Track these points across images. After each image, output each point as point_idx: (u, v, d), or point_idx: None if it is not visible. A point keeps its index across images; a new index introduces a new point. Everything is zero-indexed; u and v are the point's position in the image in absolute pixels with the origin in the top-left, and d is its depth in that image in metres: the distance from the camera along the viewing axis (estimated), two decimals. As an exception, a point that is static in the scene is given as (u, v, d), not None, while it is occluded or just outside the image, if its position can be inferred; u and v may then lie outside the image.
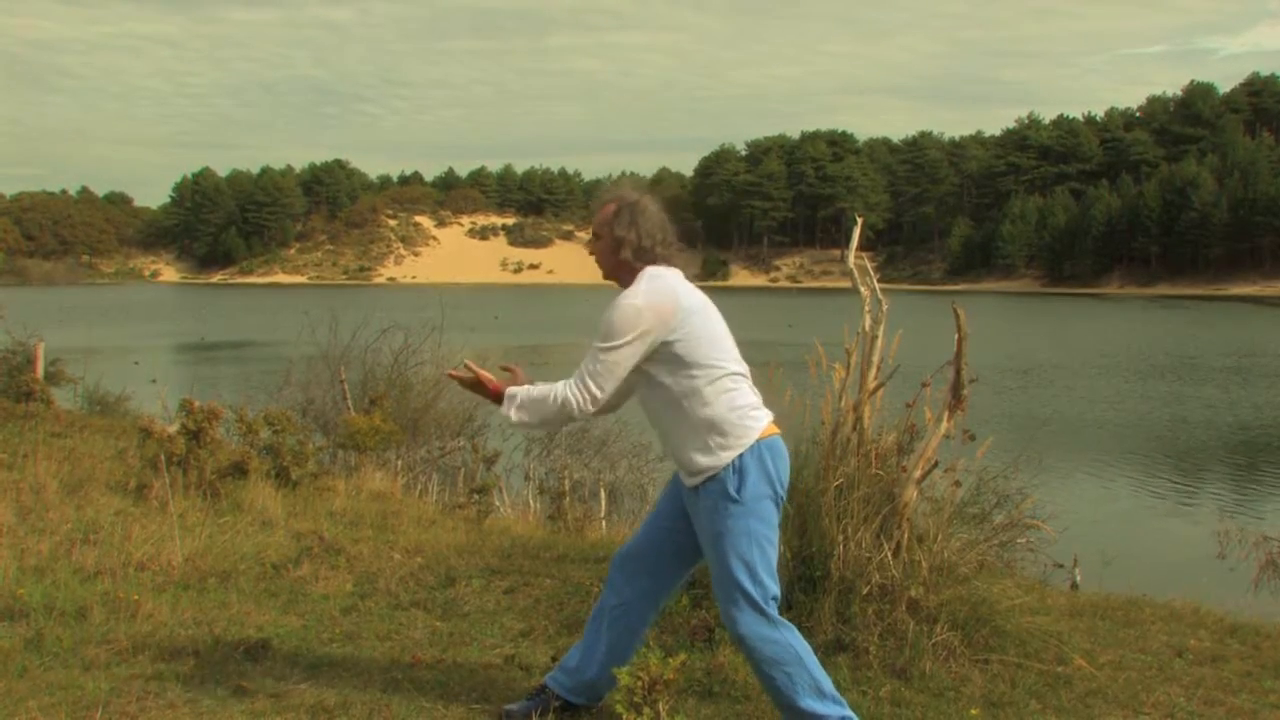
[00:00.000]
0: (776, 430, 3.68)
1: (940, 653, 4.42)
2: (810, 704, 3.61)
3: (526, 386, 3.65)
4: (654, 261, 3.69)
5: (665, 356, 3.59)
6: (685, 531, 3.79)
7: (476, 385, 3.72)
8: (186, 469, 7.64)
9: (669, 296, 3.59)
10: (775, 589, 3.63)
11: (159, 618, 4.95)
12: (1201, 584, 7.32)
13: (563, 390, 3.57)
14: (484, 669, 4.41)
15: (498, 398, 3.67)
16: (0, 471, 8.19)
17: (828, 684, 3.66)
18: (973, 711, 4.03)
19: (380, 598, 5.45)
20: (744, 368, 3.69)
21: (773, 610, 3.62)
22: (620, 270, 3.73)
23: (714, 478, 3.58)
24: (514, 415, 3.62)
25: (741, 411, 3.61)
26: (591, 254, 3.82)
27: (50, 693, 4.03)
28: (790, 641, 3.62)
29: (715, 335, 3.65)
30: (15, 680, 4.17)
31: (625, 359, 3.55)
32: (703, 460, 3.59)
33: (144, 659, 4.44)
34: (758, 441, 3.60)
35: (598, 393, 3.56)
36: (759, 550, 3.59)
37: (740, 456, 3.58)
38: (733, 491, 3.56)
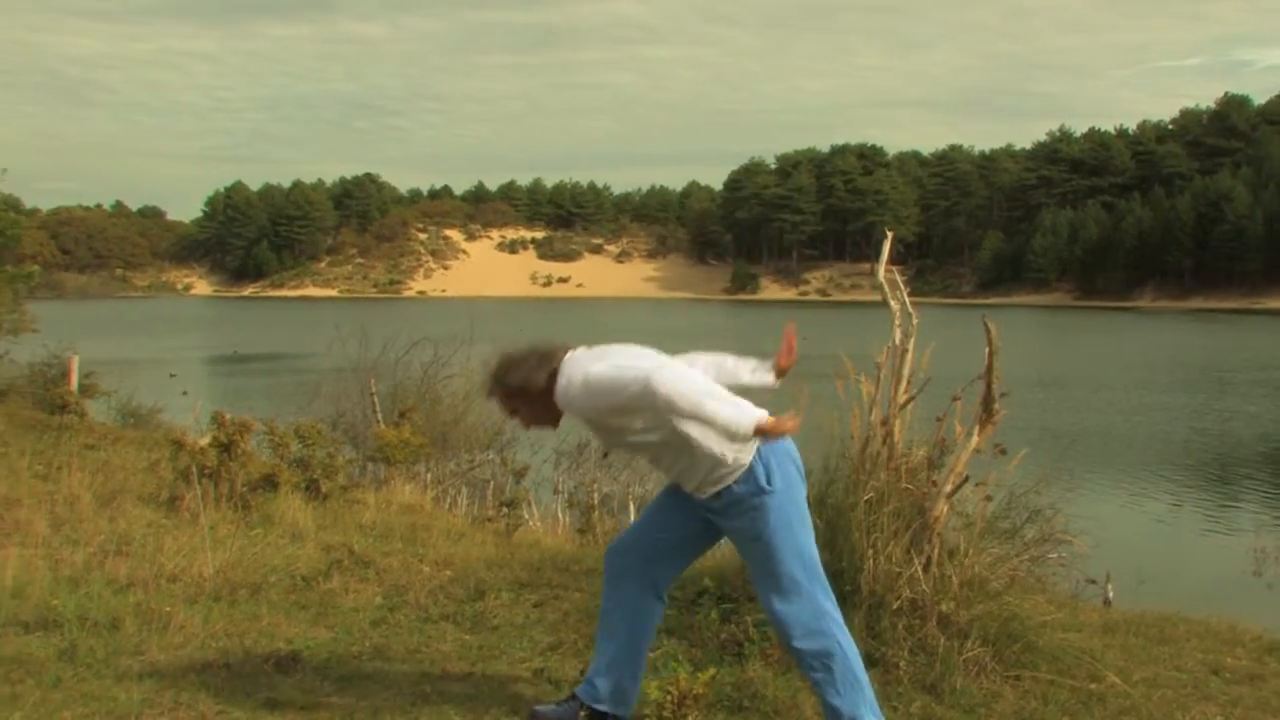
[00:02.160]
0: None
1: (971, 668, 4.38)
2: (853, 705, 3.63)
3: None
4: (550, 375, 3.65)
5: (633, 414, 3.57)
6: (685, 527, 3.81)
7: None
8: (218, 481, 7.69)
9: (603, 359, 3.62)
10: (821, 577, 3.67)
11: (190, 629, 4.97)
12: (1238, 601, 7.26)
13: (672, 389, 3.45)
14: (513, 682, 4.41)
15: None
16: (35, 483, 8.28)
17: (870, 690, 3.69)
18: (1004, 728, 3.99)
19: (410, 610, 5.46)
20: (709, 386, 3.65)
21: (826, 598, 3.66)
22: (550, 404, 3.68)
23: (739, 479, 3.58)
24: (747, 424, 3.50)
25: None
26: (530, 424, 3.80)
27: (84, 703, 4.06)
28: (837, 634, 3.65)
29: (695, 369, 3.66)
30: (50, 690, 4.20)
31: (624, 362, 3.56)
32: (723, 473, 3.58)
33: (175, 670, 4.46)
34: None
35: (667, 361, 3.56)
36: (805, 537, 3.65)
37: (759, 451, 3.58)
38: (764, 483, 3.57)
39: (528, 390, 3.67)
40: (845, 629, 3.71)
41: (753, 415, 3.46)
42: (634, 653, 3.87)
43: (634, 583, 3.87)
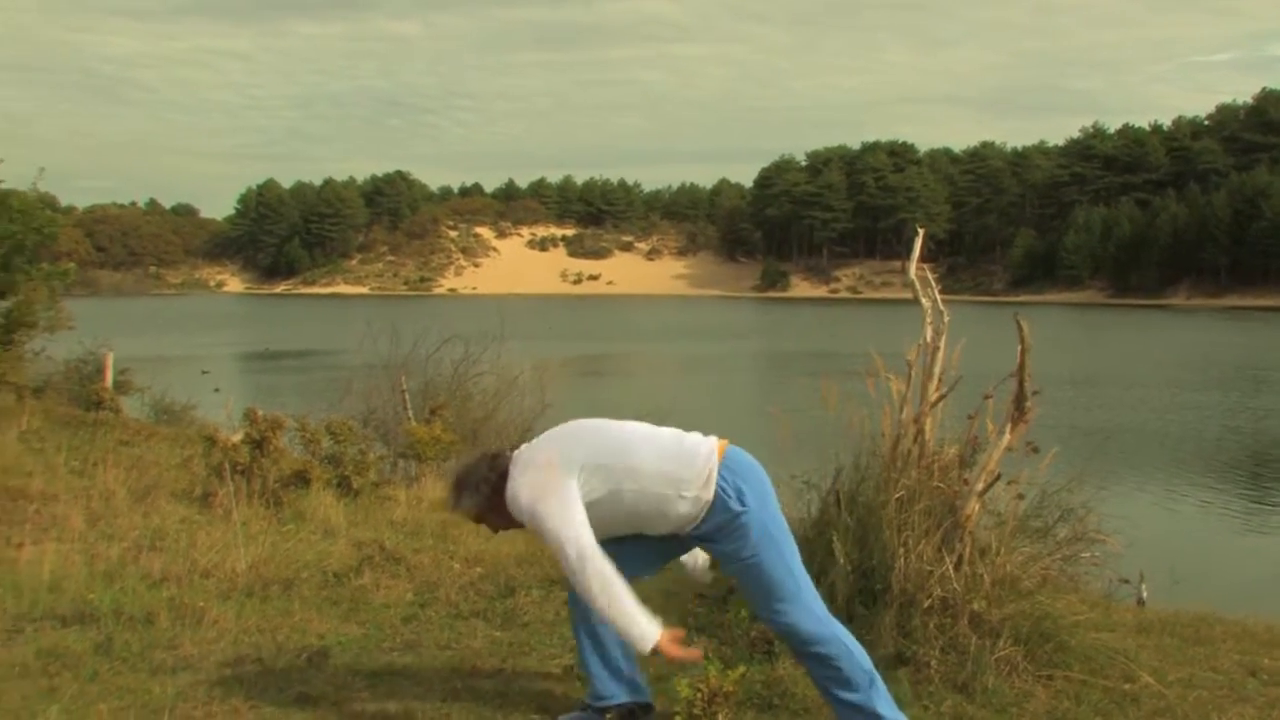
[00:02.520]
0: (725, 442, 3.76)
1: (1003, 668, 4.36)
2: (867, 699, 3.64)
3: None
4: (500, 475, 3.75)
5: (590, 494, 3.63)
6: (650, 543, 3.83)
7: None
8: (250, 478, 7.75)
9: (540, 455, 3.71)
10: (810, 583, 3.72)
11: (223, 624, 5.01)
12: (1275, 602, 7.17)
13: (587, 587, 3.56)
14: (543, 679, 4.43)
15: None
16: (72, 478, 8.37)
17: (880, 681, 3.71)
18: (1036, 728, 3.97)
19: (440, 607, 5.48)
20: (664, 430, 3.77)
21: (818, 602, 3.70)
22: (502, 504, 3.75)
23: (710, 508, 3.63)
24: (645, 641, 3.55)
25: (684, 456, 3.66)
26: (497, 528, 3.89)
27: (119, 696, 4.10)
28: (841, 635, 3.68)
29: (616, 444, 3.71)
30: (86, 683, 4.24)
31: (563, 506, 3.59)
32: (689, 511, 3.65)
33: (209, 665, 4.50)
34: (720, 463, 3.66)
35: (588, 548, 3.55)
36: (788, 547, 3.69)
37: (720, 475, 3.64)
38: (737, 505, 3.63)
39: (485, 510, 3.81)
40: (845, 628, 3.75)
41: (650, 637, 3.50)
42: (612, 639, 3.87)
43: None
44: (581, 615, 3.89)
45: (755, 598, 3.77)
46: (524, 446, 3.84)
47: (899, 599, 4.57)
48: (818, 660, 3.68)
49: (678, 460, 3.65)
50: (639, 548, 3.84)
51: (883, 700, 3.67)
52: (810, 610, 3.67)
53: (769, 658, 4.48)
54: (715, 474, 3.63)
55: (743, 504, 3.62)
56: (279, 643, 4.80)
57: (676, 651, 3.51)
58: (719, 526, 3.66)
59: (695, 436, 3.75)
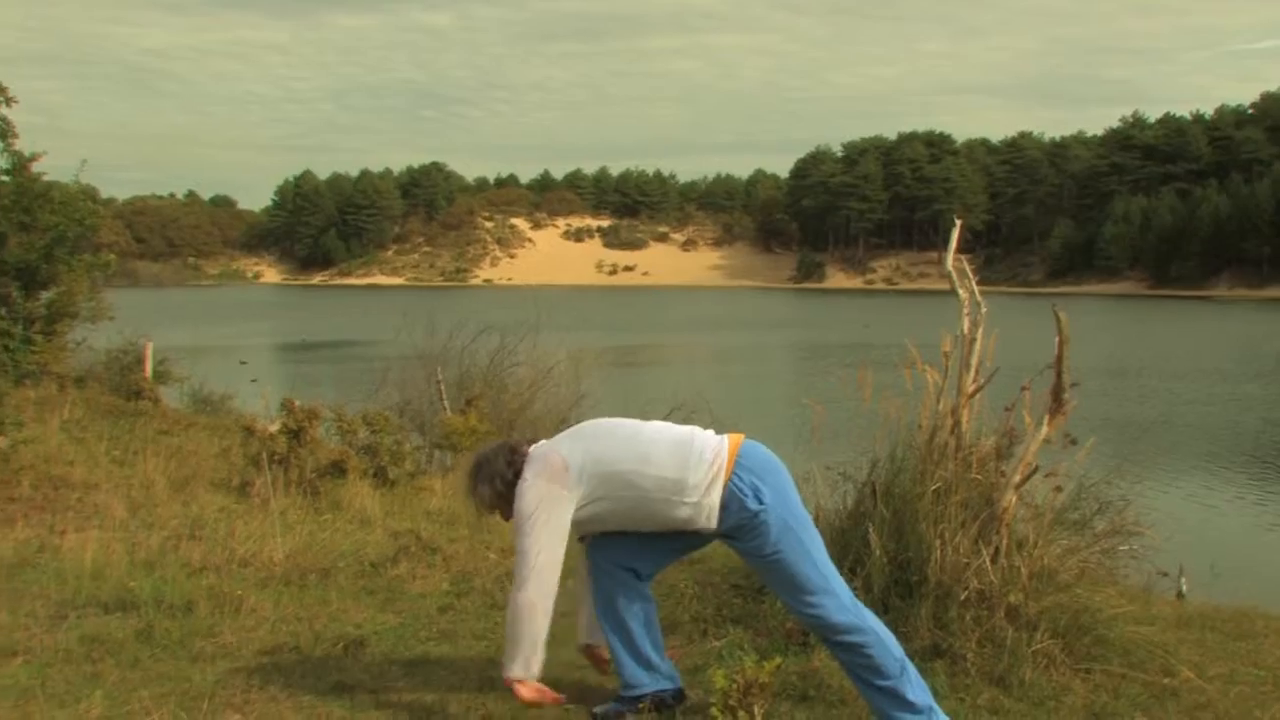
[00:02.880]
0: (740, 437, 3.79)
1: (1040, 661, 4.33)
2: (897, 685, 3.64)
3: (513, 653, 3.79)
4: (515, 473, 3.82)
5: (593, 498, 3.72)
6: (668, 538, 3.87)
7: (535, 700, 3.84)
8: (287, 468, 7.81)
9: (554, 458, 3.76)
10: (835, 572, 3.74)
11: (262, 613, 5.06)
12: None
13: (517, 601, 3.72)
14: (578, 669, 4.43)
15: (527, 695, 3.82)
16: (113, 467, 8.46)
17: (911, 667, 3.70)
18: (1074, 722, 3.94)
19: (476, 597, 5.50)
20: (672, 432, 3.81)
21: (846, 591, 3.71)
22: (513, 498, 3.82)
23: (729, 507, 3.66)
24: (515, 671, 3.76)
25: (693, 458, 3.70)
26: (508, 519, 3.92)
27: (160, 683, 4.15)
28: (870, 623, 3.69)
29: (619, 451, 3.76)
30: (128, 670, 4.30)
31: (548, 531, 3.70)
32: (688, 515, 3.69)
33: (247, 653, 4.54)
34: (735, 461, 3.69)
35: (546, 579, 3.71)
36: (810, 539, 3.70)
37: (735, 480, 3.67)
38: (753, 504, 3.65)
39: (497, 503, 3.90)
40: (874, 615, 3.75)
41: (521, 673, 3.74)
42: (646, 628, 3.93)
43: (617, 571, 3.93)
44: (605, 609, 3.93)
45: (782, 592, 3.79)
46: (542, 443, 3.89)
47: (935, 591, 4.55)
48: (848, 649, 3.69)
49: (682, 466, 3.68)
50: (657, 540, 3.88)
51: (912, 687, 3.67)
52: (838, 601, 3.67)
53: (804, 649, 4.47)
54: (722, 477, 3.66)
55: (760, 502, 3.64)
56: (316, 631, 4.83)
57: (530, 696, 3.76)
58: (738, 525, 3.67)
59: (707, 437, 3.77)
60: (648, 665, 3.93)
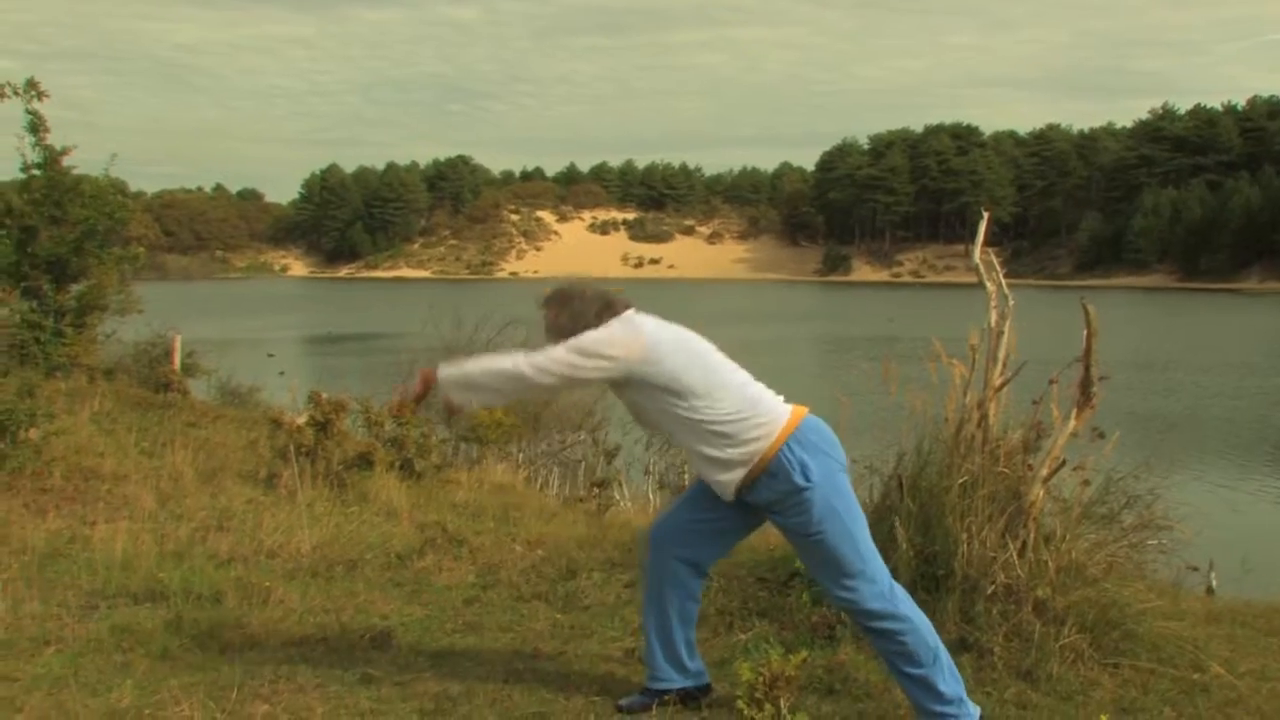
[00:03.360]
0: (804, 410, 3.73)
1: (1068, 655, 4.31)
2: (929, 673, 3.63)
3: (463, 362, 3.76)
4: (604, 321, 3.76)
5: (654, 386, 3.66)
6: (728, 518, 3.84)
7: (420, 395, 3.86)
8: (314, 460, 7.84)
9: (638, 332, 3.70)
10: (877, 557, 3.70)
11: (289, 604, 5.09)
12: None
13: (517, 365, 3.67)
14: (604, 662, 4.44)
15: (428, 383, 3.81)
16: (142, 459, 8.52)
17: (946, 656, 3.69)
18: (1102, 717, 3.91)
19: (502, 589, 5.52)
20: (741, 377, 3.75)
21: (886, 576, 3.68)
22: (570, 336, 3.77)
23: (776, 475, 3.61)
24: (455, 396, 3.74)
25: (754, 408, 3.66)
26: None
27: (190, 673, 4.18)
28: (907, 610, 3.67)
29: (701, 363, 3.71)
30: (157, 660, 4.33)
31: (585, 369, 3.66)
32: (723, 476, 3.66)
33: (275, 643, 4.57)
34: (795, 430, 3.63)
35: (546, 379, 3.67)
36: (855, 523, 3.66)
37: (788, 448, 3.61)
38: (802, 480, 3.59)
39: (561, 336, 3.77)
40: (912, 602, 3.72)
41: (442, 371, 3.80)
42: (686, 622, 3.94)
43: (674, 564, 3.90)
44: (651, 597, 3.92)
45: (820, 573, 3.74)
46: (642, 317, 3.81)
47: (962, 585, 4.53)
48: (881, 635, 3.67)
49: (737, 416, 3.63)
50: (716, 522, 3.85)
51: (945, 678, 3.65)
52: (875, 588, 3.64)
53: (831, 642, 4.47)
54: (766, 442, 3.61)
55: (807, 479, 3.59)
56: (343, 623, 4.86)
57: (419, 383, 3.86)
58: (783, 496, 3.62)
59: (772, 401, 3.70)
60: (678, 664, 3.93)
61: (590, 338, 3.67)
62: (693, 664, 3.96)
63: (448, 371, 3.77)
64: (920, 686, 3.65)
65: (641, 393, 3.71)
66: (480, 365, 3.75)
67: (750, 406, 3.67)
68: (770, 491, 3.64)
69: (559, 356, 3.66)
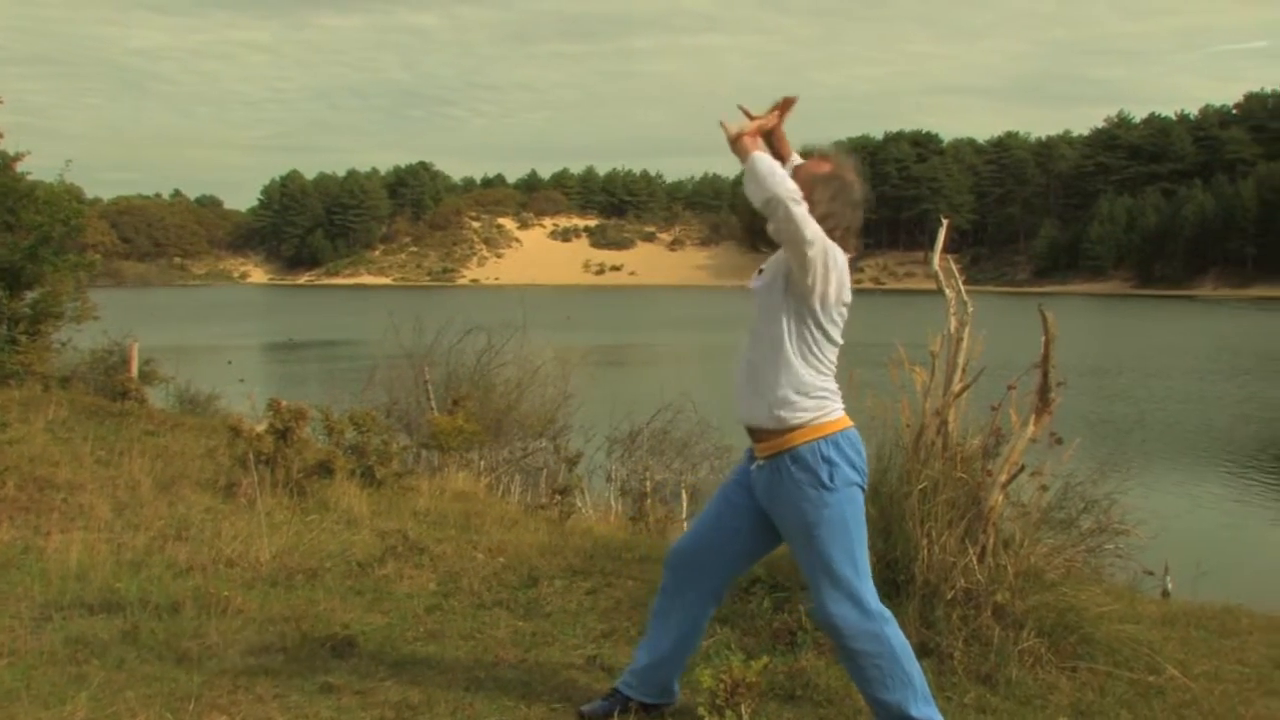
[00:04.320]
0: (851, 423, 3.70)
1: (1027, 659, 4.34)
2: (901, 699, 3.59)
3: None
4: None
5: (805, 313, 3.62)
6: (751, 532, 3.80)
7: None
8: (274, 468, 7.78)
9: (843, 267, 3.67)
10: (870, 579, 3.66)
11: (248, 613, 5.04)
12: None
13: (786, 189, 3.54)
14: (566, 669, 4.43)
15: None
16: (98, 468, 8.42)
17: (920, 681, 3.65)
18: (1060, 720, 3.95)
19: (463, 597, 5.49)
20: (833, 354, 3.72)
21: (874, 599, 3.64)
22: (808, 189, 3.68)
23: (800, 463, 3.58)
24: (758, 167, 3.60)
25: (829, 391, 3.66)
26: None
27: (146, 684, 4.13)
28: (889, 634, 3.62)
29: (838, 322, 3.69)
30: (113, 671, 4.28)
31: (815, 239, 3.54)
32: (781, 414, 3.60)
33: (234, 654, 4.52)
34: (838, 432, 3.62)
35: (796, 216, 3.52)
36: (858, 538, 3.62)
37: (825, 444, 3.58)
38: (825, 479, 3.56)
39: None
40: (896, 625, 3.67)
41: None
42: (685, 650, 3.92)
43: (696, 588, 3.87)
44: (662, 616, 3.90)
45: (810, 576, 3.69)
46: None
47: (922, 590, 4.56)
48: (854, 655, 3.62)
49: (810, 383, 3.62)
50: (737, 550, 3.84)
51: (916, 702, 3.61)
52: (860, 604, 3.60)
53: (792, 649, 4.48)
54: (812, 433, 3.58)
55: (831, 480, 3.56)
56: (303, 632, 4.82)
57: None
58: (798, 488, 3.58)
59: (836, 401, 3.69)
60: (663, 686, 3.91)
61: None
62: (675, 690, 3.95)
63: (760, 162, 3.62)
64: (889, 712, 3.63)
65: (789, 306, 3.64)
66: (775, 174, 3.58)
67: (834, 380, 3.68)
68: (788, 477, 3.59)
69: (810, 221, 3.55)
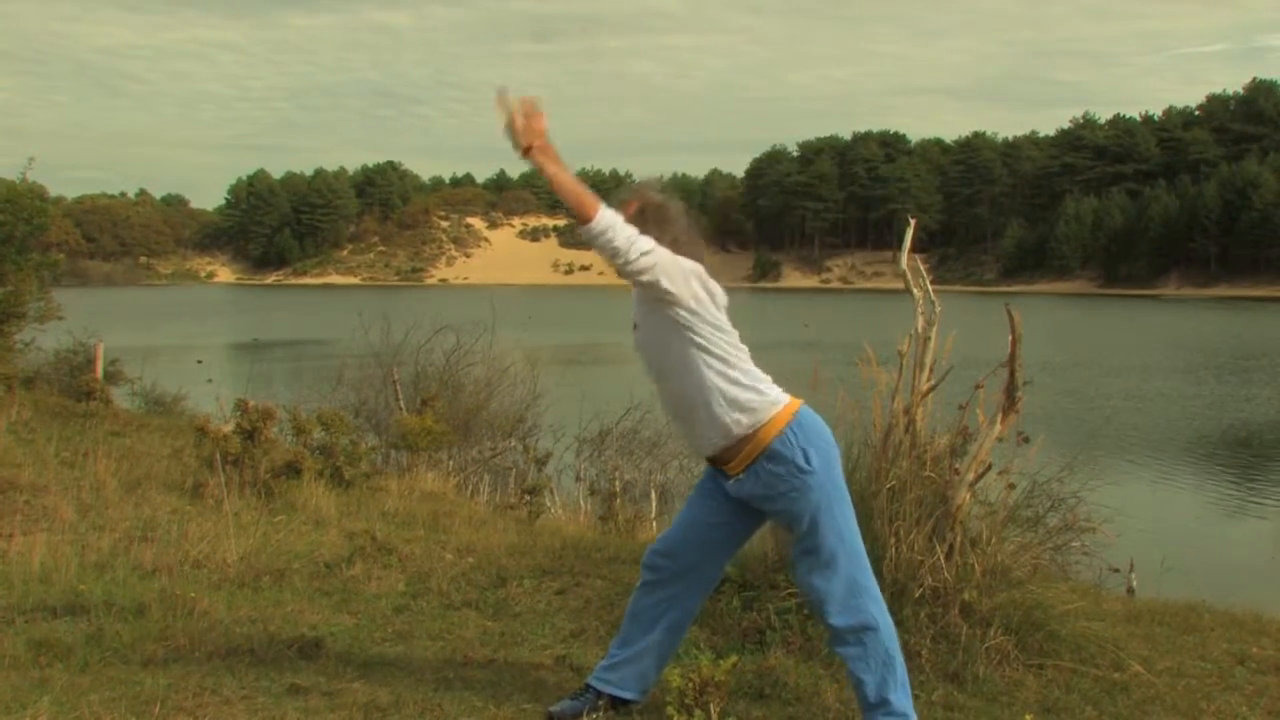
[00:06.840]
0: (799, 402, 3.72)
1: (994, 657, 4.37)
2: (881, 681, 3.63)
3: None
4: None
5: (692, 323, 3.64)
6: (729, 526, 3.81)
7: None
8: (241, 468, 7.74)
9: (698, 266, 3.72)
10: (864, 555, 3.69)
11: (215, 615, 5.00)
12: (1264, 590, 7.20)
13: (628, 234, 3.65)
14: (535, 669, 4.43)
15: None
16: (62, 469, 8.34)
17: (902, 670, 3.68)
18: (1027, 717, 3.98)
19: (432, 597, 5.48)
20: (748, 362, 3.74)
21: (869, 575, 3.66)
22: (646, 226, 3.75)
23: (776, 458, 3.59)
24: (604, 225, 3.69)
25: (761, 382, 3.68)
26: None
27: (111, 687, 4.09)
28: (871, 617, 3.64)
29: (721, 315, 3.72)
30: (77, 675, 4.24)
31: (664, 263, 3.62)
32: (735, 429, 3.61)
33: (200, 656, 4.49)
34: (795, 416, 3.64)
35: (639, 253, 3.62)
36: (846, 515, 3.66)
37: (789, 431, 3.60)
38: (803, 464, 3.58)
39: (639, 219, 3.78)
40: (884, 607, 3.70)
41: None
42: (670, 645, 3.92)
43: (680, 583, 3.86)
44: (643, 625, 3.88)
45: (798, 557, 3.71)
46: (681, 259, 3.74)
47: (890, 589, 4.57)
48: (841, 633, 3.64)
49: (750, 385, 3.63)
50: (715, 535, 3.83)
51: (896, 688, 3.64)
52: (851, 582, 3.62)
53: (760, 647, 4.49)
54: (772, 429, 3.59)
55: (809, 463, 3.58)
56: (271, 633, 4.79)
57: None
58: (780, 481, 3.59)
59: (773, 387, 3.70)
60: (642, 675, 3.90)
61: (663, 261, 3.65)
62: (650, 682, 3.94)
63: (554, 167, 3.75)
64: (869, 692, 3.64)
65: (673, 328, 3.65)
66: (575, 186, 3.73)
67: (754, 366, 3.69)
68: (769, 476, 3.61)
69: (645, 244, 3.62)
